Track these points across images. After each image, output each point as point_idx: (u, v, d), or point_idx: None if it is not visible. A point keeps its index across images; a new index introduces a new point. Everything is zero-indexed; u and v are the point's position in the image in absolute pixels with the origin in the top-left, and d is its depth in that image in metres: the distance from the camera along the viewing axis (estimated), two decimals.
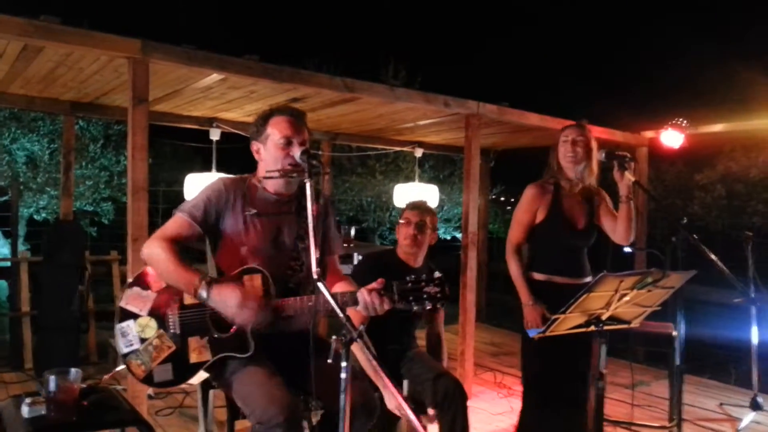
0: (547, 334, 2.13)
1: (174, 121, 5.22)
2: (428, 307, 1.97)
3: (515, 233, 3.01)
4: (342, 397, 1.58)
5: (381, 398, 2.58)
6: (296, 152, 2.07)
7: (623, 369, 5.20)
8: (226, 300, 1.91)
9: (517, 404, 4.37)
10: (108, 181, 8.00)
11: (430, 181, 9.22)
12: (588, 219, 2.95)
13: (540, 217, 2.96)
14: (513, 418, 4.11)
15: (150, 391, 4.06)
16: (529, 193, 3.00)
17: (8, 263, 5.67)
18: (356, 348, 2.63)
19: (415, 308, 1.97)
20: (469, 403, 4.29)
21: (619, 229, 2.84)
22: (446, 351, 3.15)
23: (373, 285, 1.96)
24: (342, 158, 9.37)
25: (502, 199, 12.36)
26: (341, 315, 1.62)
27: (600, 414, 2.91)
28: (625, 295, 2.08)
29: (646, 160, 6.13)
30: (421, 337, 3.16)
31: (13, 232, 5.98)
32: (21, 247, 6.86)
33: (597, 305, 2.11)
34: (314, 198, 1.85)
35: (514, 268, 2.96)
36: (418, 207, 3.06)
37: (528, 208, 2.98)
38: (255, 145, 2.22)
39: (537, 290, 2.90)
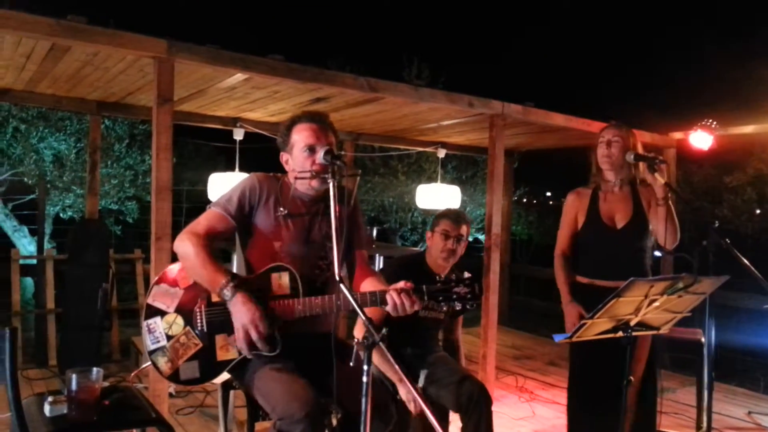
0: (574, 339, 2.09)
1: (198, 121, 5.25)
2: (458, 308, 1.94)
3: (558, 241, 3.08)
4: (363, 400, 1.55)
5: (395, 402, 2.56)
6: (320, 159, 2.08)
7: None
8: (241, 312, 1.91)
9: (538, 409, 4.34)
10: (133, 180, 8.08)
11: (452, 182, 9.15)
12: (631, 219, 2.89)
13: (580, 221, 3.00)
14: (535, 424, 4.06)
15: (171, 389, 4.09)
16: (567, 200, 3.07)
17: (34, 261, 5.76)
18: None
19: (445, 308, 1.96)
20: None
21: (659, 231, 2.79)
22: (463, 355, 3.11)
23: (401, 285, 1.93)
24: (365, 158, 9.35)
25: (525, 200, 12.25)
26: (363, 318, 1.60)
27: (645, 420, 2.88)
28: (654, 300, 2.02)
29: (674, 161, 6.02)
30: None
31: (39, 230, 6.07)
32: (47, 245, 6.95)
33: (626, 311, 2.06)
34: (342, 197, 1.85)
35: (557, 275, 3.00)
36: (457, 218, 2.88)
37: (567, 214, 3.05)
38: (284, 156, 2.24)
39: (579, 293, 2.91)
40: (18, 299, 5.12)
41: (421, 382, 2.73)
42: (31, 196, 7.65)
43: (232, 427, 2.80)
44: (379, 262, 4.69)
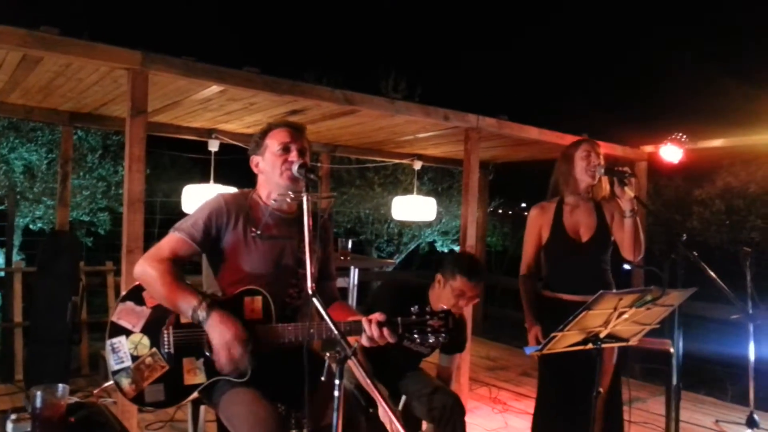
0: (545, 352, 2.11)
1: (173, 132, 5.21)
2: (431, 341, 1.94)
3: (523, 255, 3.08)
4: (335, 414, 1.55)
5: (368, 419, 2.55)
6: (294, 158, 2.05)
7: (622, 385, 5.19)
8: (221, 331, 1.86)
9: (511, 420, 4.36)
10: (105, 191, 7.98)
11: (428, 193, 9.21)
12: (596, 232, 2.92)
13: (544, 236, 3.01)
14: None
15: None
16: (531, 214, 3.08)
17: (2, 273, 5.64)
18: (351, 363, 2.61)
19: (419, 341, 1.96)
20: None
21: (625, 244, 2.83)
22: (453, 383, 3.08)
23: (376, 316, 1.90)
24: (341, 170, 9.36)
25: (500, 211, 12.36)
26: (336, 332, 1.60)
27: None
28: (623, 313, 2.06)
29: (645, 174, 6.13)
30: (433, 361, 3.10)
31: (8, 242, 5.96)
32: (16, 257, 6.82)
33: (595, 323, 2.09)
34: (317, 221, 1.83)
35: (522, 293, 3.01)
36: (477, 277, 2.65)
37: (531, 229, 3.05)
38: (254, 160, 2.18)
39: (545, 308, 2.91)
40: None
41: (400, 406, 2.73)
42: (0, 207, 7.51)
43: None
44: (354, 275, 4.68)
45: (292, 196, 2.03)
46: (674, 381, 2.61)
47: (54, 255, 4.86)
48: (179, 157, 10.05)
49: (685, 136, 5.42)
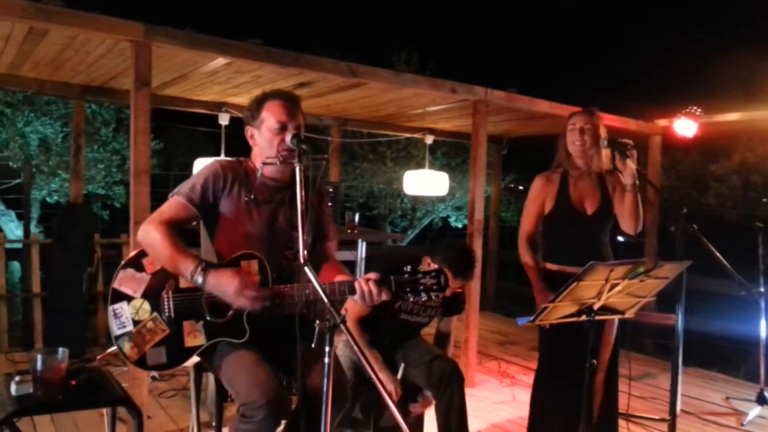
0: (537, 322, 2.12)
1: (183, 106, 5.24)
2: (424, 299, 1.95)
3: (524, 224, 3.03)
4: (324, 381, 1.58)
5: (371, 389, 2.57)
6: (290, 137, 2.06)
7: (631, 361, 5.18)
8: (224, 287, 1.90)
9: (519, 393, 4.39)
10: (120, 164, 8.06)
11: (441, 168, 9.15)
12: (600, 205, 2.89)
13: (548, 207, 2.97)
14: (514, 407, 4.11)
15: (155, 373, 4.12)
16: (535, 184, 3.03)
17: (20, 245, 5.76)
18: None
19: (411, 299, 1.97)
20: (471, 391, 4.35)
21: (625, 218, 2.80)
22: (452, 347, 3.09)
23: (370, 275, 1.94)
24: (353, 144, 9.35)
25: (513, 186, 12.25)
26: (326, 300, 1.62)
27: (608, 403, 2.91)
28: (616, 284, 2.05)
29: (659, 149, 6.04)
30: (431, 326, 3.11)
31: (25, 214, 6.06)
32: (34, 229, 6.95)
33: (588, 295, 2.08)
34: (309, 185, 1.84)
35: (525, 259, 2.98)
36: (462, 277, 2.67)
37: (535, 198, 3.00)
38: (249, 131, 2.20)
39: (550, 280, 2.89)
40: (3, 283, 5.13)
41: (399, 375, 2.76)
42: (17, 181, 7.64)
43: (212, 409, 2.82)
44: (362, 248, 4.70)
45: (280, 159, 2.05)
46: (679, 356, 2.61)
47: (68, 227, 4.95)
48: (193, 131, 10.11)
49: (699, 110, 5.33)
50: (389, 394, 2.61)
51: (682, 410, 3.86)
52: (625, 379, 4.57)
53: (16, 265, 6.72)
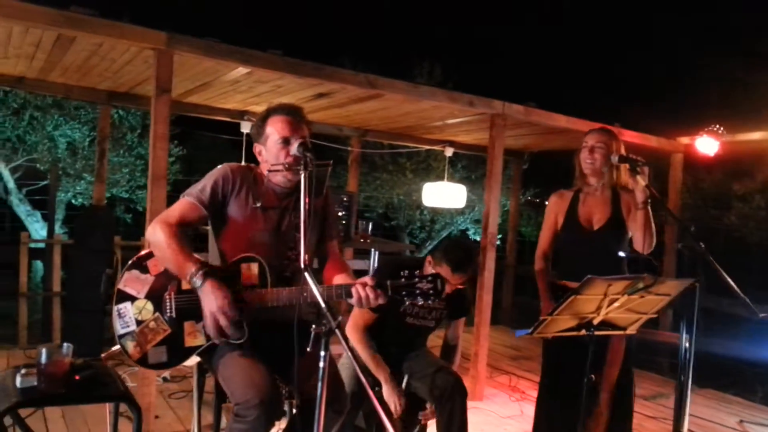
0: (535, 335, 2.12)
1: (206, 113, 5.35)
2: (420, 303, 1.98)
3: (540, 241, 3.10)
4: (319, 385, 1.60)
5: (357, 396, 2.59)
6: (294, 149, 2.11)
7: (645, 380, 5.13)
8: (213, 299, 1.93)
9: (527, 408, 4.36)
10: (144, 169, 8.23)
11: (461, 181, 9.16)
12: (608, 221, 2.88)
13: (560, 222, 3.01)
14: (521, 422, 4.09)
15: (166, 374, 4.19)
16: (550, 201, 3.09)
17: (43, 245, 5.91)
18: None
19: (408, 302, 2.00)
20: (479, 404, 4.34)
21: (636, 235, 2.78)
22: (459, 356, 3.09)
23: (366, 279, 1.98)
24: (374, 155, 9.40)
25: (533, 200, 12.20)
26: (322, 305, 1.65)
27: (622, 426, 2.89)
28: (615, 300, 2.04)
29: (681, 166, 5.98)
30: (439, 336, 3.13)
31: (50, 215, 6.22)
32: (58, 230, 7.12)
33: (587, 309, 2.08)
34: (316, 191, 1.88)
35: (537, 278, 3.03)
36: (460, 267, 2.64)
37: (548, 215, 3.06)
38: (257, 147, 2.26)
39: (559, 295, 2.88)
40: (25, 281, 5.26)
41: (404, 384, 2.78)
42: (44, 182, 7.83)
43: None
44: (375, 257, 4.72)
45: (286, 166, 2.09)
46: (690, 374, 2.55)
47: (90, 229, 5.06)
48: (218, 138, 10.26)
49: (722, 128, 5.27)
50: (389, 407, 2.65)
51: (690, 431, 3.79)
52: (640, 399, 4.57)
53: (39, 265, 6.90)
